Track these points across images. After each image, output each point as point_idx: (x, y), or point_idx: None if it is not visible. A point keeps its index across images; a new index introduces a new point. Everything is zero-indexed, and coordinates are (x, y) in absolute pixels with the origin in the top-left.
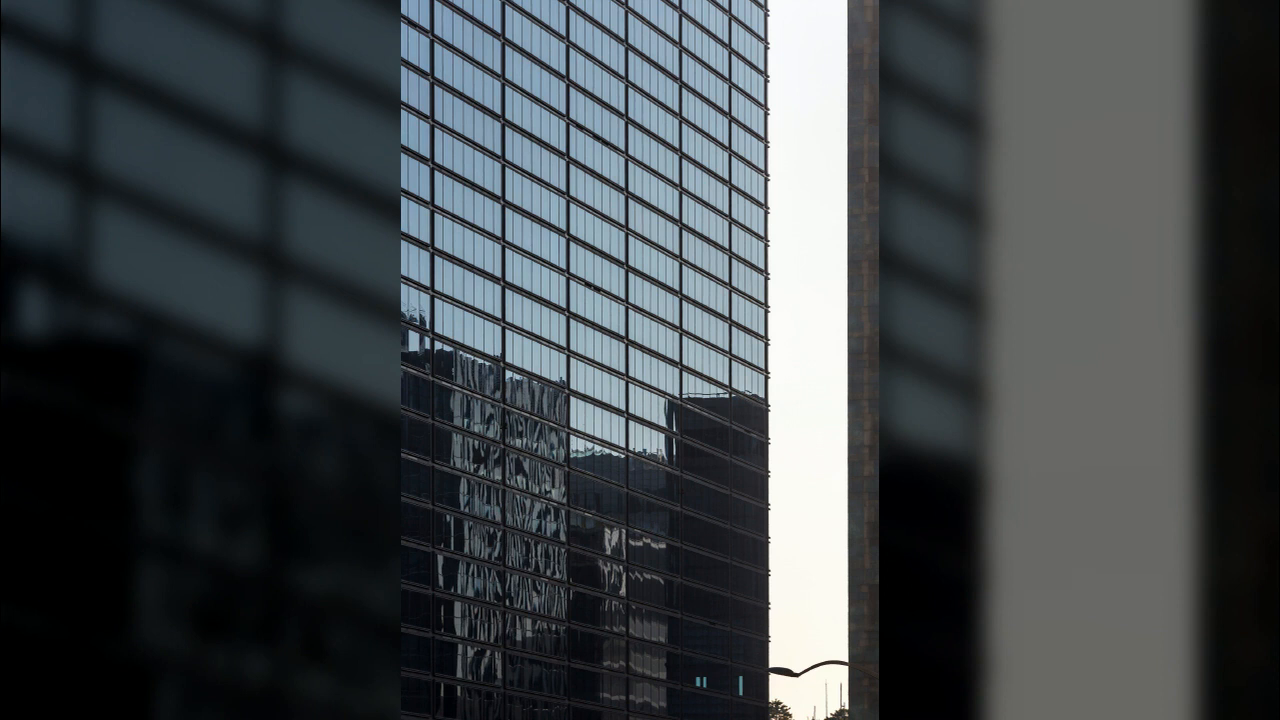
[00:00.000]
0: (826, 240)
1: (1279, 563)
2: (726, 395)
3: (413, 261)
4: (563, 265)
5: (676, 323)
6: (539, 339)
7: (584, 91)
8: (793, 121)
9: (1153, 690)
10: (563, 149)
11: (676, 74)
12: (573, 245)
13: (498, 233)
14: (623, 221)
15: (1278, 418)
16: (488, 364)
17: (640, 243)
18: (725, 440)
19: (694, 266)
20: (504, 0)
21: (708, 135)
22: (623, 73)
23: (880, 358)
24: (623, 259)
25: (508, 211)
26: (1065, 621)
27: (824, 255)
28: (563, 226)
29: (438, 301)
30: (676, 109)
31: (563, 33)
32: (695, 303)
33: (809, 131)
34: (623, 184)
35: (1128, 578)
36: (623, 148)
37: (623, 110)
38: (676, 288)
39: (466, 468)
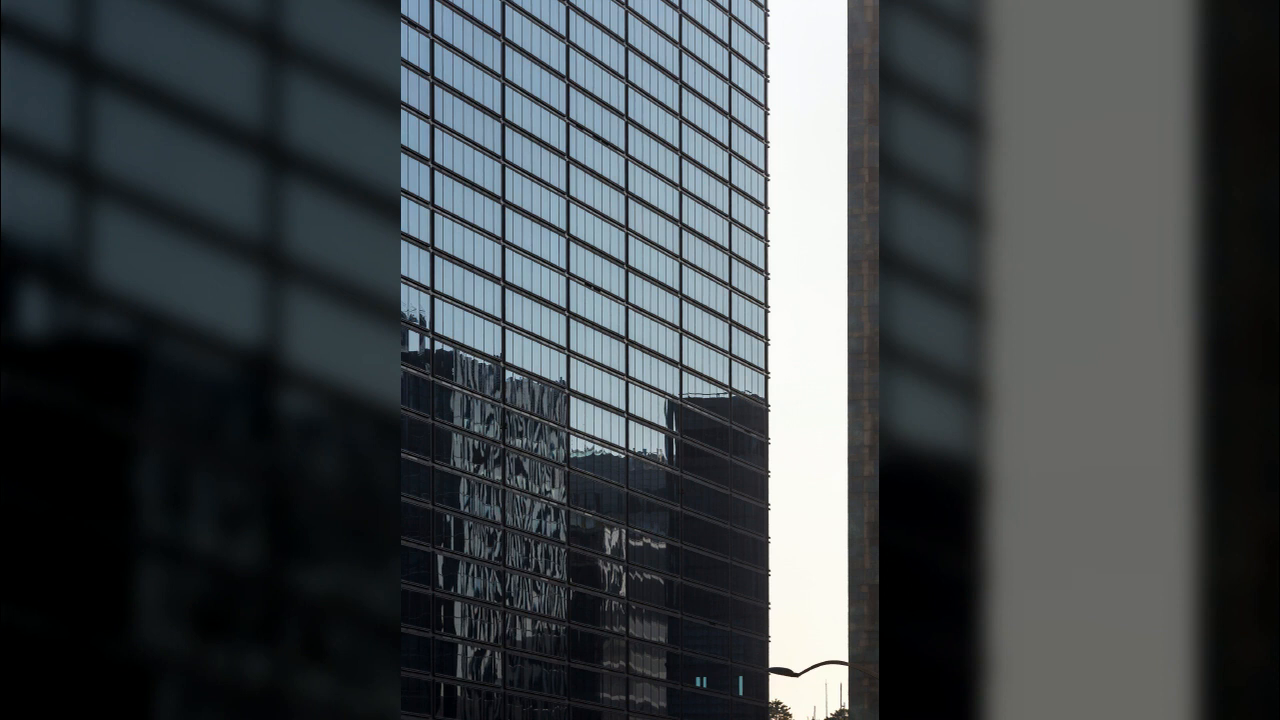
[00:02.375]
0: (826, 240)
1: (1279, 563)
2: (726, 395)
3: (413, 261)
4: (563, 265)
5: (676, 323)
6: (539, 339)
7: (584, 91)
8: (793, 121)
9: (1153, 690)
10: (563, 149)
11: (676, 74)
12: (573, 245)
13: (498, 233)
14: (623, 221)
15: (1278, 418)
16: (488, 364)
17: (640, 243)
18: (725, 440)
19: (694, 266)
20: (504, 0)
21: (708, 135)
22: (623, 73)
23: (880, 358)
24: (623, 259)
25: (508, 211)
26: (1065, 621)
27: (824, 255)
28: (563, 226)
29: (438, 301)
30: (676, 109)
31: (563, 33)
32: (695, 303)
33: (809, 131)
34: (623, 184)
35: (1128, 578)
36: (623, 148)
37: (623, 110)
38: (676, 288)
39: (466, 468)
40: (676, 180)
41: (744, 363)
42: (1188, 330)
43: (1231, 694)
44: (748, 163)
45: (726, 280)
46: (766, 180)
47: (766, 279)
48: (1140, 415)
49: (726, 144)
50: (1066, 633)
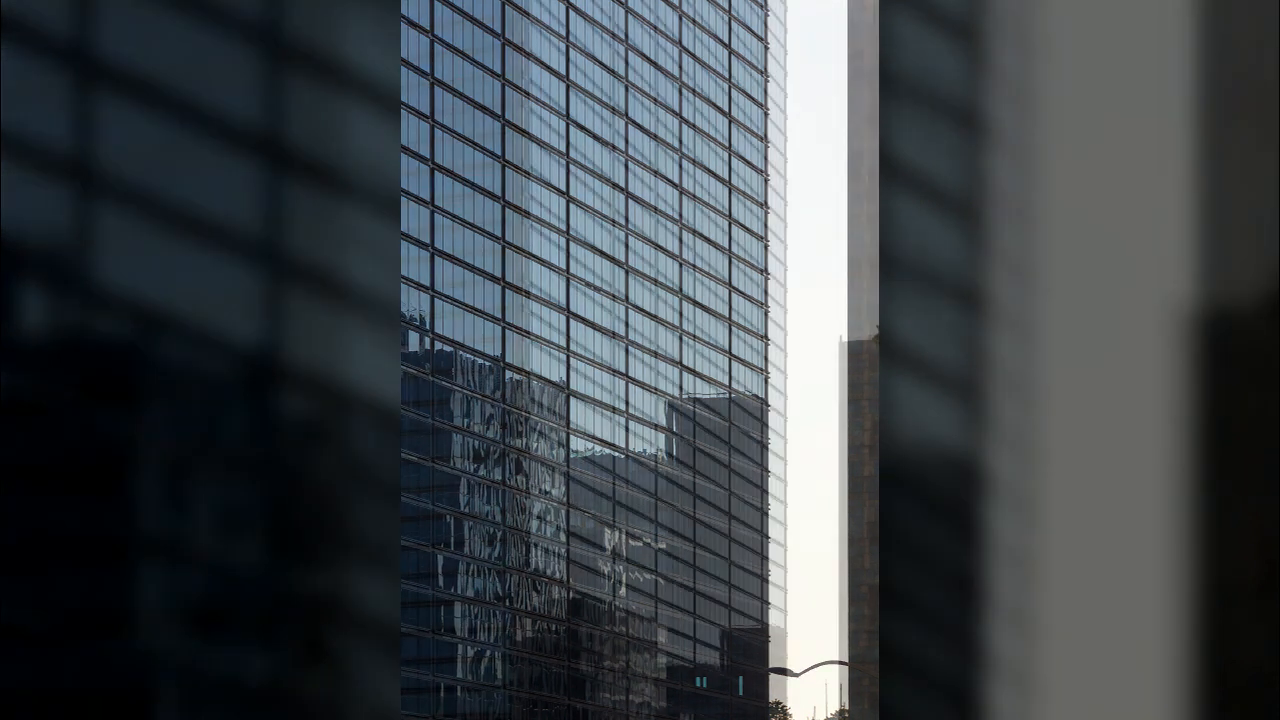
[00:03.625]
0: (826, 240)
1: (1279, 563)
2: (726, 395)
3: (413, 261)
4: (563, 265)
5: (676, 323)
6: (539, 339)
7: (584, 91)
8: (793, 121)
9: (1153, 690)
10: (563, 149)
11: (676, 74)
12: (573, 245)
13: (498, 233)
14: (623, 221)
15: (1278, 418)
16: (488, 364)
17: (640, 243)
18: (725, 440)
19: (694, 266)
20: (504, 0)
21: (708, 135)
22: (623, 73)
23: (880, 358)
24: (623, 259)
25: (508, 211)
26: (1065, 621)
27: (824, 255)
28: (563, 226)
29: (438, 301)
30: (676, 109)
31: (563, 33)
32: (695, 303)
33: (809, 131)
34: (623, 184)
35: (1128, 578)
36: (623, 148)
37: (623, 110)
38: (676, 288)
39: (466, 468)
40: (676, 180)
41: (744, 363)
42: (1188, 330)
43: (1231, 694)
44: (748, 163)
45: (726, 280)
46: (766, 180)
47: (766, 279)
48: (1140, 415)
49: (726, 144)
50: (1066, 633)
